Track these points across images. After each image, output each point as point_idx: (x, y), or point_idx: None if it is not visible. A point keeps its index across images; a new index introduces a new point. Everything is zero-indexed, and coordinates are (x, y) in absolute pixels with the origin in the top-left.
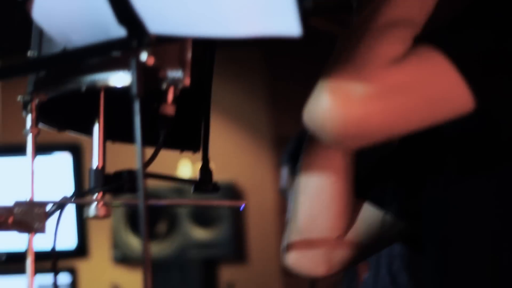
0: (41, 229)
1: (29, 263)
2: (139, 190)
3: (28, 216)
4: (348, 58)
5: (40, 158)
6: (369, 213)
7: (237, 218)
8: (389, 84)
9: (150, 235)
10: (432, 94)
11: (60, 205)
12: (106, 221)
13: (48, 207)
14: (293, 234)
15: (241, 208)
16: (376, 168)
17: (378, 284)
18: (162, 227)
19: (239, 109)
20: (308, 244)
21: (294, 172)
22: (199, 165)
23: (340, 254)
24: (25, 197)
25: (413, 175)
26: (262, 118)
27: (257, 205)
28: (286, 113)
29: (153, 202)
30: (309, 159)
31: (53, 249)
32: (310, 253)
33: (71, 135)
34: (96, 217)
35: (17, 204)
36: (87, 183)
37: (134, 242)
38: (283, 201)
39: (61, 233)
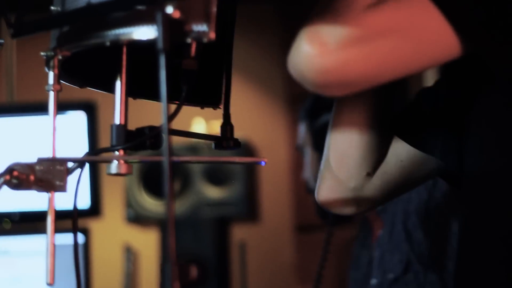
0: (63, 188)
1: (50, 222)
2: (164, 147)
3: (50, 174)
4: (327, 4)
5: None
6: (401, 151)
7: (250, 177)
8: (368, 28)
9: (163, 193)
10: (413, 37)
11: (82, 162)
12: (119, 181)
13: (69, 165)
14: (325, 172)
15: (263, 163)
16: (414, 107)
17: (393, 241)
18: (175, 185)
19: (253, 67)
20: (337, 182)
21: (311, 128)
22: (212, 123)
23: (369, 193)
24: (42, 155)
25: (454, 114)
26: (276, 76)
27: (271, 163)
28: None
29: (176, 159)
30: (340, 106)
31: (74, 207)
32: (339, 191)
33: (84, 94)
34: (118, 174)
35: (40, 160)
36: (102, 143)
37: (147, 202)
38: (297, 159)
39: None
